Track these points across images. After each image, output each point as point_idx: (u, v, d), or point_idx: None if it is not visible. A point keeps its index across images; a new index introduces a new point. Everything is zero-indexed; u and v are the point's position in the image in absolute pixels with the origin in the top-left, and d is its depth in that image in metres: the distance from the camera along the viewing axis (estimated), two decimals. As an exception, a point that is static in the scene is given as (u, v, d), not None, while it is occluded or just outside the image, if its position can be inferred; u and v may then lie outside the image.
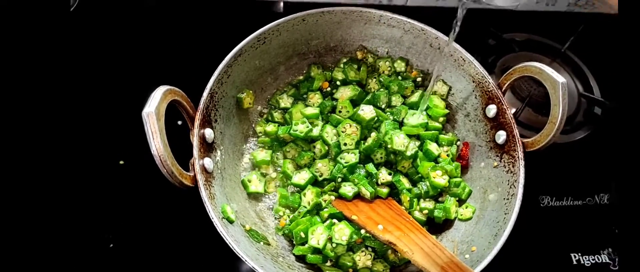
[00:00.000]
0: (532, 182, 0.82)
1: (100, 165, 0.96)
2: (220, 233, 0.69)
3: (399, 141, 0.87)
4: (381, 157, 0.89)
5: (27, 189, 0.91)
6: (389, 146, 0.87)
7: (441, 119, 0.93)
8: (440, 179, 0.86)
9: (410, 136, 0.89)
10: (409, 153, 0.87)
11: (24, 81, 1.03)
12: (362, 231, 0.82)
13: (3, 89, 1.01)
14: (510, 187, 0.80)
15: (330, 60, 0.99)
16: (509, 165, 0.83)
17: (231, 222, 0.75)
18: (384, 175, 0.88)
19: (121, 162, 0.96)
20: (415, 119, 0.91)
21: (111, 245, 0.88)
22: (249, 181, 0.87)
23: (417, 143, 0.90)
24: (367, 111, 0.88)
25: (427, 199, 0.88)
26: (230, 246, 0.68)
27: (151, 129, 0.63)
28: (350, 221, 0.82)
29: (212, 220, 0.70)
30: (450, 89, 0.94)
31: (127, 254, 0.87)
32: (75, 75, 1.05)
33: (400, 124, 0.92)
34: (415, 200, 0.86)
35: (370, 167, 0.87)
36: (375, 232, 0.79)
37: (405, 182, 0.88)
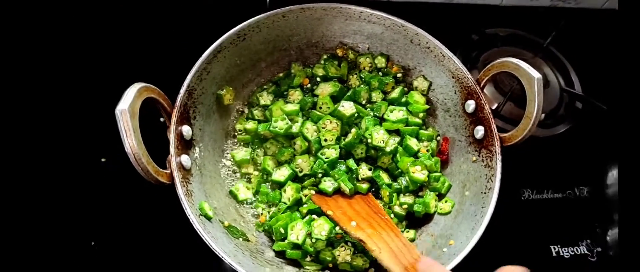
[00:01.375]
0: (513, 176, 0.83)
1: (82, 163, 0.95)
2: (197, 230, 0.69)
3: (379, 136, 0.87)
4: (361, 153, 0.89)
5: (8, 188, 0.91)
6: (369, 142, 0.87)
7: (421, 114, 0.94)
8: (420, 174, 0.87)
9: (390, 132, 0.90)
10: (388, 149, 0.88)
11: (2, 80, 1.03)
12: (337, 228, 0.82)
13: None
14: (488, 181, 0.81)
15: (311, 57, 0.99)
16: (487, 159, 0.84)
17: (209, 219, 0.75)
18: (364, 170, 0.88)
19: (103, 159, 0.96)
20: (395, 114, 0.91)
21: (93, 243, 0.88)
22: (237, 190, 0.87)
23: (397, 138, 0.91)
24: (347, 107, 0.89)
25: (407, 194, 0.89)
26: (208, 243, 0.69)
27: (124, 127, 0.63)
28: (328, 216, 0.82)
29: (189, 217, 0.70)
30: (430, 85, 0.95)
31: (109, 252, 0.87)
32: (54, 73, 1.04)
33: (381, 120, 0.92)
34: (394, 195, 0.87)
35: (351, 162, 0.88)
36: (347, 228, 0.80)
37: (385, 178, 0.88)
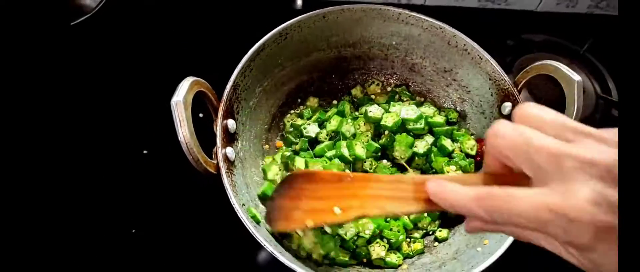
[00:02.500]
0: None
1: (125, 154, 1.00)
2: (241, 218, 0.72)
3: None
4: (401, 157, 0.92)
5: (54, 179, 0.96)
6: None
7: (451, 114, 0.97)
8: (454, 174, 0.88)
9: (418, 136, 0.94)
10: (421, 151, 0.90)
11: (52, 75, 1.09)
12: (327, 229, 0.79)
13: (32, 82, 1.07)
14: (524, 183, 0.82)
15: (347, 63, 1.03)
16: (523, 162, 0.84)
17: (258, 222, 0.77)
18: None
19: (145, 151, 1.01)
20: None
21: (133, 230, 0.92)
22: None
23: (431, 139, 0.92)
24: (375, 111, 0.92)
25: (441, 194, 0.90)
26: (251, 232, 0.71)
27: (179, 117, 0.66)
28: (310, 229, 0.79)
29: (234, 206, 0.73)
30: (466, 87, 0.96)
31: (148, 239, 0.91)
32: (101, 69, 1.10)
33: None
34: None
35: (386, 163, 0.91)
36: (339, 219, 0.65)
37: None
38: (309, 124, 0.95)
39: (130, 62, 1.11)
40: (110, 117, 1.05)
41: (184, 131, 0.66)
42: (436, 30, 0.93)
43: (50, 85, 1.08)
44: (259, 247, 0.71)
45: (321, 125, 0.96)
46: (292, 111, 1.01)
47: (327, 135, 0.94)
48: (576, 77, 0.76)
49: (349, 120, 0.94)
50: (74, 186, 0.96)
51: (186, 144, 0.67)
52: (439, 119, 0.94)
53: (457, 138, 0.93)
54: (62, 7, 1.15)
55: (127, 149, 1.01)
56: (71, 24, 1.13)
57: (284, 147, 0.96)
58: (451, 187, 0.49)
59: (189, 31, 1.17)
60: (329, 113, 0.98)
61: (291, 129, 0.97)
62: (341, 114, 0.97)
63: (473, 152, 0.93)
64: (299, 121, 0.97)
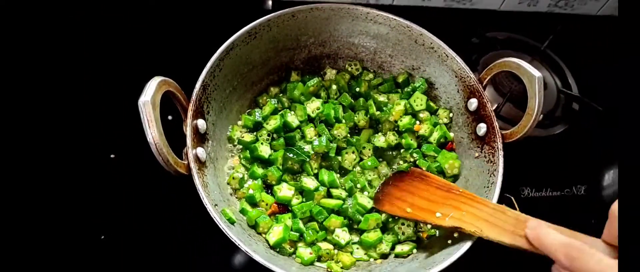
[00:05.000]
0: (512, 174, 0.85)
1: (92, 159, 0.97)
2: (214, 218, 0.71)
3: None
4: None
5: (18, 184, 0.92)
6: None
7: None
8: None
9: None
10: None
11: (15, 77, 1.05)
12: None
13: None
14: (490, 176, 0.84)
15: (318, 60, 1.04)
16: (489, 155, 0.87)
17: (232, 222, 0.77)
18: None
19: (112, 155, 0.98)
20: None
21: (103, 236, 0.89)
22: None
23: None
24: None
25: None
26: (225, 232, 0.71)
27: (147, 118, 0.65)
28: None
29: (206, 206, 0.72)
30: (433, 84, 0.98)
31: (118, 245, 0.89)
32: (65, 71, 1.06)
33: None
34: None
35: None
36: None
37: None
38: (261, 143, 0.91)
39: (95, 63, 1.08)
40: (76, 121, 1.01)
41: (153, 132, 0.65)
42: (404, 28, 0.95)
43: (11, 86, 1.04)
44: (234, 248, 0.70)
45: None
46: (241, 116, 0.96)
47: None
48: (537, 73, 0.79)
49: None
50: (40, 192, 0.92)
51: (155, 144, 0.66)
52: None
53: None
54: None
55: (94, 153, 0.98)
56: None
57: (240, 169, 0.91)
58: (547, 230, 0.62)
59: (156, 31, 1.14)
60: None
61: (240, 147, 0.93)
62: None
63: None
64: (248, 137, 0.93)
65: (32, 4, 1.09)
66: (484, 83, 0.89)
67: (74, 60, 1.08)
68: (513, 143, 0.86)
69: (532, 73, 0.79)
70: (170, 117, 0.96)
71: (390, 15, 0.95)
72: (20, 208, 0.90)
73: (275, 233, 0.81)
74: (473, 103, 0.91)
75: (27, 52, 1.07)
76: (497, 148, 0.85)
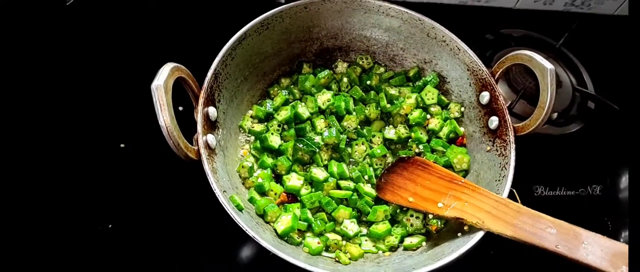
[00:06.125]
0: (526, 172, 0.85)
1: (102, 148, 0.98)
2: (222, 204, 0.72)
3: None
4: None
5: (29, 173, 0.94)
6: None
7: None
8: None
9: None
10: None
11: (28, 67, 1.06)
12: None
13: (7, 75, 1.05)
14: (502, 169, 0.83)
15: (330, 52, 1.03)
16: (501, 149, 0.86)
17: (240, 209, 0.77)
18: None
19: (122, 145, 0.99)
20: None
21: (110, 225, 0.90)
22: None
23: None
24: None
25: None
26: (233, 217, 0.71)
27: (159, 101, 0.66)
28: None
29: (215, 191, 0.73)
30: (445, 78, 0.98)
31: (125, 234, 0.89)
32: (77, 62, 1.08)
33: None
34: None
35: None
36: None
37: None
38: (272, 133, 0.91)
39: (108, 54, 1.10)
40: (88, 110, 1.03)
41: (165, 115, 0.66)
42: (416, 21, 0.95)
43: (24, 76, 1.06)
44: (242, 237, 0.70)
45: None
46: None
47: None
48: (549, 65, 0.78)
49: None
50: (50, 180, 0.94)
51: (167, 128, 0.67)
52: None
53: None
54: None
55: (104, 142, 0.99)
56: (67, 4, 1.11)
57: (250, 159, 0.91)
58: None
59: (170, 22, 1.16)
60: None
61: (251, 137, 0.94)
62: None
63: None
64: (258, 127, 0.93)
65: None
66: (496, 76, 0.89)
67: (87, 51, 1.10)
68: (527, 141, 0.85)
69: (544, 65, 0.78)
70: (181, 108, 0.96)
71: (403, 8, 0.94)
72: (30, 197, 0.92)
73: (284, 222, 0.81)
74: (485, 96, 0.90)
75: (41, 43, 1.09)
76: (509, 141, 0.84)
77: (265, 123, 0.94)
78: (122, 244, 0.89)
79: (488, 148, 0.89)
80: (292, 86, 0.99)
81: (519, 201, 0.78)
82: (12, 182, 0.93)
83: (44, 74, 1.06)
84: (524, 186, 0.84)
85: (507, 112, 0.86)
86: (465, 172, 0.91)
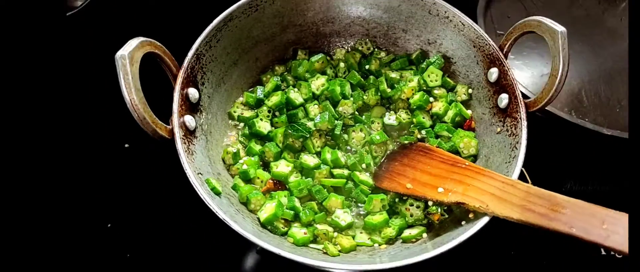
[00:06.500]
0: (555, 167, 0.82)
1: (106, 147, 0.97)
2: (193, 184, 0.67)
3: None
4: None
5: (33, 173, 0.93)
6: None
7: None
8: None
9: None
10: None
11: (33, 69, 1.08)
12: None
13: (15, 78, 1.06)
14: (512, 150, 0.74)
15: (326, 37, 0.98)
16: (511, 128, 0.76)
17: (218, 193, 0.72)
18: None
19: (126, 145, 0.97)
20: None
21: (109, 225, 0.88)
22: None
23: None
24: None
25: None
26: (204, 200, 0.66)
27: (122, 72, 0.62)
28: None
29: (186, 171, 0.68)
30: (451, 59, 0.90)
31: (124, 234, 0.87)
32: (81, 62, 1.09)
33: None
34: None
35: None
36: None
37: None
38: (261, 119, 0.86)
39: (111, 57, 1.09)
40: (93, 109, 1.02)
41: (128, 86, 0.63)
42: (415, -1, 0.88)
43: (29, 78, 1.07)
44: (246, 242, 0.64)
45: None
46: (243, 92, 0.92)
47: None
48: (560, 27, 0.69)
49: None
50: (56, 180, 0.92)
51: (130, 100, 0.63)
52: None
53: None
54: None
55: (108, 142, 0.98)
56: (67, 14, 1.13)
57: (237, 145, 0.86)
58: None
59: (180, 27, 1.15)
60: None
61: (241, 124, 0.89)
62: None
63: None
64: (248, 114, 0.88)
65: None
66: (505, 49, 0.80)
67: (91, 52, 1.10)
68: (559, 133, 0.79)
69: (554, 28, 0.69)
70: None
71: (401, -15, 0.88)
72: (32, 196, 0.91)
73: (267, 210, 0.75)
74: (493, 73, 0.81)
75: (46, 49, 1.10)
76: (520, 118, 0.75)
77: (256, 110, 0.89)
78: (122, 243, 0.86)
79: (498, 129, 0.80)
80: (286, 73, 0.94)
81: (530, 182, 0.68)
82: (20, 183, 0.92)
83: (50, 78, 1.07)
84: (552, 181, 0.73)
85: (518, 87, 0.77)
86: (474, 158, 0.82)
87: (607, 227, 0.56)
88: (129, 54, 0.64)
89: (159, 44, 0.71)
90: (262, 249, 0.64)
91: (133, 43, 0.66)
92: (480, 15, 1.03)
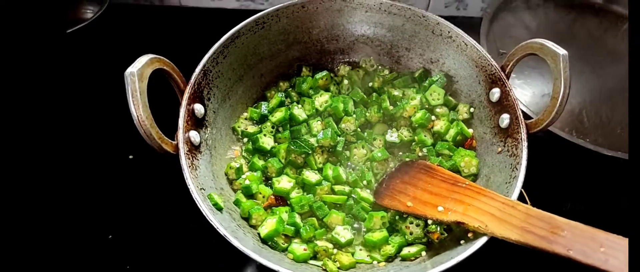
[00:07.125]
0: (556, 187, 0.82)
1: (110, 159, 0.98)
2: (195, 200, 0.68)
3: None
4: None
5: (37, 183, 0.95)
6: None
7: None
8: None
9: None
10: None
11: (37, 79, 1.09)
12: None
13: (22, 87, 1.08)
14: (513, 171, 0.74)
15: (330, 54, 0.99)
16: (512, 148, 0.77)
17: (220, 209, 0.73)
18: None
19: (130, 156, 0.98)
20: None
21: (110, 236, 0.89)
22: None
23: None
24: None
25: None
26: (205, 215, 0.67)
27: (131, 88, 0.64)
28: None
29: (189, 187, 0.69)
30: (453, 78, 0.91)
31: (125, 245, 0.88)
32: (86, 73, 1.10)
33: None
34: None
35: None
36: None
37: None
38: (264, 135, 0.87)
39: (116, 65, 1.11)
40: (98, 120, 1.04)
41: (136, 103, 0.64)
42: (419, 18, 0.90)
43: (41, 89, 1.09)
44: (247, 257, 0.65)
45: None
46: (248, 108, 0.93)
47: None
48: (561, 50, 0.70)
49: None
50: (61, 190, 0.94)
51: (138, 116, 0.64)
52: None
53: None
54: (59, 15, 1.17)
55: (112, 153, 0.99)
56: (67, 31, 1.15)
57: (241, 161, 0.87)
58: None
59: (182, 43, 1.17)
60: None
61: (245, 140, 0.89)
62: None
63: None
64: (252, 129, 0.89)
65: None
66: (507, 70, 0.81)
67: (96, 63, 1.12)
68: (559, 153, 0.80)
69: (556, 51, 0.70)
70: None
71: (405, 5, 0.90)
72: (35, 206, 0.92)
73: (268, 225, 0.75)
74: (495, 93, 0.82)
75: (51, 53, 1.12)
76: (521, 139, 0.75)
77: (260, 125, 0.90)
78: (122, 255, 0.86)
79: (499, 149, 0.80)
80: (290, 89, 0.96)
81: (529, 203, 0.68)
82: (21, 192, 0.93)
83: (57, 88, 1.09)
84: (552, 202, 0.74)
85: (519, 108, 0.78)
86: (475, 177, 0.83)
87: (605, 251, 0.56)
88: (139, 70, 0.65)
89: (167, 60, 0.73)
90: (261, 264, 0.64)
91: (143, 60, 0.67)
92: (483, 34, 1.04)
